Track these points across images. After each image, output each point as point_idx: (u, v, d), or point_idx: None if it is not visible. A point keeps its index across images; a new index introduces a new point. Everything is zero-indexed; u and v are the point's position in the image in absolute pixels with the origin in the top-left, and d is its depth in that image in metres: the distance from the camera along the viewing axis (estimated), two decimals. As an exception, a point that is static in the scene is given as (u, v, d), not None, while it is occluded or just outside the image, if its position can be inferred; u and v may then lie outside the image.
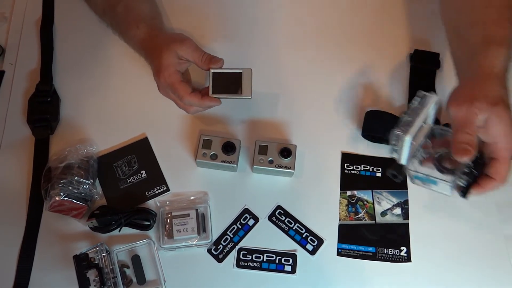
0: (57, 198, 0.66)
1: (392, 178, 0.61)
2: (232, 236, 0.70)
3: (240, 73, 0.68)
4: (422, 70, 0.81)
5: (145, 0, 0.78)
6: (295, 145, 0.72)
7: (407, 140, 0.56)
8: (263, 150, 0.72)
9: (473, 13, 0.60)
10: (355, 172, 0.75)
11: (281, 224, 0.71)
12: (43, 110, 0.77)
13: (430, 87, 0.80)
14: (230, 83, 0.68)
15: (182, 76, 0.69)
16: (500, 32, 0.56)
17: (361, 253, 0.69)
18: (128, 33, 0.74)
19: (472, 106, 0.53)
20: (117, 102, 0.79)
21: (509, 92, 0.55)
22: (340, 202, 0.73)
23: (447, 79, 0.81)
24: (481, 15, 0.59)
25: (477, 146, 0.54)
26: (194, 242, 0.69)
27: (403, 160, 0.58)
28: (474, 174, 0.57)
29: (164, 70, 0.67)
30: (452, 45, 0.65)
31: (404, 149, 0.57)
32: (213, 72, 0.68)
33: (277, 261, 0.69)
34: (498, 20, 0.57)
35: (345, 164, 0.75)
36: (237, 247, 0.70)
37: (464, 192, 0.59)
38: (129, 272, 0.68)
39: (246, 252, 0.69)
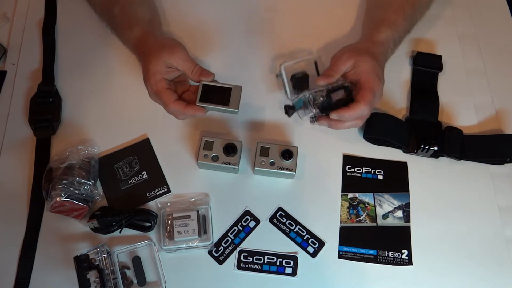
0: (58, 199, 0.66)
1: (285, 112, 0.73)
2: (233, 238, 0.70)
3: (230, 88, 0.68)
4: (424, 73, 0.81)
5: (142, 2, 0.77)
6: (297, 147, 0.72)
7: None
8: (264, 151, 0.72)
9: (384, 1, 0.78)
10: (357, 174, 0.74)
11: (282, 226, 0.71)
12: (45, 110, 0.77)
13: (432, 90, 0.79)
14: (219, 95, 0.68)
15: (169, 83, 0.69)
16: (392, 17, 0.74)
17: (362, 255, 0.69)
18: (123, 36, 0.75)
19: (344, 54, 0.69)
20: (118, 103, 0.79)
21: (381, 55, 0.72)
22: (341, 205, 0.72)
23: (450, 82, 0.80)
24: (388, 2, 0.77)
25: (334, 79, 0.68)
26: (195, 244, 0.69)
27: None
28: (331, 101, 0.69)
29: (151, 77, 0.67)
30: (364, 18, 0.82)
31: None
32: (204, 84, 0.68)
33: (278, 263, 0.68)
34: (396, 9, 0.75)
35: (347, 166, 0.75)
36: (238, 249, 0.69)
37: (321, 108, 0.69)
38: (130, 273, 0.68)
39: (247, 254, 0.69)
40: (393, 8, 0.75)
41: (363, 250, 0.70)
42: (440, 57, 0.81)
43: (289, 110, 0.72)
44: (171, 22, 0.85)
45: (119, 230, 0.69)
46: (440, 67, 0.81)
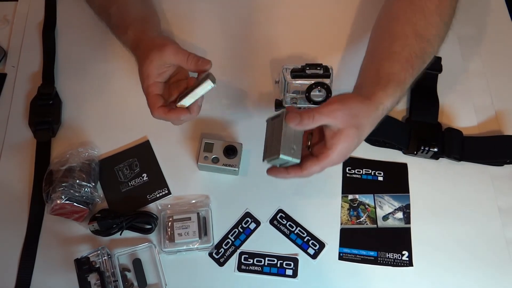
0: (58, 201, 0.66)
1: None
2: (233, 239, 0.70)
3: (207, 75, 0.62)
4: (424, 74, 0.81)
5: (138, 1, 0.75)
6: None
7: None
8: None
9: (389, 49, 0.66)
10: (357, 176, 0.75)
11: (282, 228, 0.71)
12: (45, 113, 0.77)
13: (432, 91, 0.80)
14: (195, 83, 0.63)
15: (162, 87, 0.65)
16: (402, 75, 0.63)
17: (362, 257, 0.69)
18: (120, 38, 0.73)
19: (343, 111, 0.58)
20: (119, 105, 0.79)
21: (371, 126, 0.62)
22: (341, 206, 0.72)
23: (449, 83, 0.81)
24: (393, 55, 0.65)
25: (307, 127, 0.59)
26: (195, 246, 0.69)
27: None
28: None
29: (144, 81, 0.64)
30: (365, 63, 0.68)
31: None
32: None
33: (278, 265, 0.68)
34: (404, 63, 0.63)
35: (347, 168, 0.75)
36: (238, 251, 0.69)
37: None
38: (130, 275, 0.68)
39: (247, 256, 0.69)
40: (400, 62, 0.64)
41: (363, 252, 0.70)
42: (439, 58, 0.81)
43: (277, 106, 0.73)
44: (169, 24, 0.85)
45: (120, 232, 0.69)
46: (439, 69, 0.81)
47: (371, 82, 0.63)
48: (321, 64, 0.70)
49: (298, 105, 0.73)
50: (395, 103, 0.64)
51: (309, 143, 0.63)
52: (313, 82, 0.70)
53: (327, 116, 0.58)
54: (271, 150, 0.60)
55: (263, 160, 0.62)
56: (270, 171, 0.63)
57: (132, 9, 0.74)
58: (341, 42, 0.84)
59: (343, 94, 0.61)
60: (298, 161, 0.60)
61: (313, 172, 0.61)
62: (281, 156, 0.58)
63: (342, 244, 0.70)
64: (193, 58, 0.63)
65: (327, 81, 0.70)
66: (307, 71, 0.69)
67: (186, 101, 0.63)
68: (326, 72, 0.70)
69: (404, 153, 0.76)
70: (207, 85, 0.62)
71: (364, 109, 0.60)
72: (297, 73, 0.69)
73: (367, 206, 0.72)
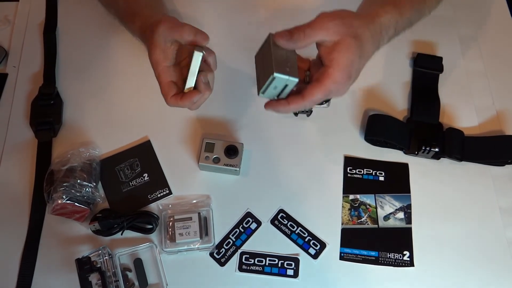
0: (59, 201, 0.66)
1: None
2: (234, 239, 0.70)
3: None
4: (425, 74, 0.81)
5: None
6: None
7: None
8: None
9: None
10: (358, 176, 0.75)
11: (283, 228, 0.71)
12: (46, 113, 0.77)
13: (433, 91, 0.80)
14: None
15: (172, 73, 0.62)
16: (402, 1, 0.62)
17: (363, 257, 0.69)
18: (129, 28, 0.72)
19: (333, 23, 0.54)
20: (120, 105, 0.79)
21: (374, 40, 0.59)
22: (342, 206, 0.72)
23: (450, 83, 0.81)
24: None
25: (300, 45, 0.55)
26: (196, 246, 0.69)
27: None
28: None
29: (154, 69, 0.62)
30: None
31: None
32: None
33: (279, 265, 0.68)
34: None
35: (348, 168, 0.75)
36: (239, 251, 0.69)
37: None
38: (131, 275, 0.68)
39: (248, 256, 0.69)
40: None
41: (364, 252, 0.70)
42: (440, 58, 0.81)
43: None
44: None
45: (121, 232, 0.69)
46: (440, 69, 0.81)
47: (367, 4, 0.63)
48: None
49: None
50: (392, 23, 0.61)
51: (307, 79, 0.57)
52: None
53: (319, 29, 0.54)
54: (264, 76, 0.54)
55: (258, 93, 0.56)
56: (268, 104, 0.58)
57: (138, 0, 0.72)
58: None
59: (336, 10, 0.57)
60: (296, 79, 0.54)
61: (316, 99, 0.55)
62: (276, 74, 0.52)
63: (343, 244, 0.70)
64: (189, 30, 0.60)
65: None
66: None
67: (189, 82, 0.61)
68: None
69: (405, 153, 0.76)
70: (197, 56, 0.59)
71: (358, 20, 0.57)
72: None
73: (368, 206, 0.72)
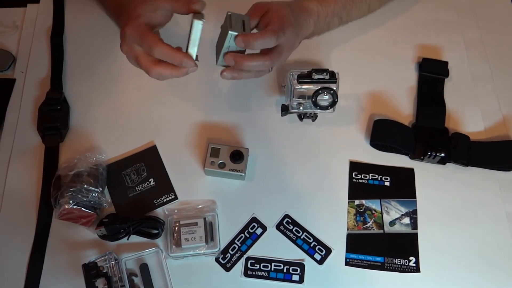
0: (66, 206, 0.67)
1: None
2: (240, 245, 0.70)
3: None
4: (430, 79, 0.81)
5: None
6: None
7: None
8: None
9: None
10: (363, 181, 0.74)
11: (289, 233, 0.71)
12: (53, 118, 0.77)
13: (439, 96, 0.79)
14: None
15: (155, 32, 0.63)
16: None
17: (369, 263, 0.69)
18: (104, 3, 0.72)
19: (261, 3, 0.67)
20: (126, 110, 0.80)
21: (303, 20, 0.71)
22: (348, 211, 0.72)
23: (456, 88, 0.80)
24: None
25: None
26: (202, 251, 0.69)
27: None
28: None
29: (134, 20, 0.61)
30: None
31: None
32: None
33: (285, 271, 0.68)
34: None
35: (353, 173, 0.75)
36: (245, 256, 0.70)
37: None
38: (137, 280, 0.68)
39: (254, 261, 0.69)
40: None
41: (370, 257, 0.69)
42: (446, 63, 0.81)
43: (283, 110, 0.75)
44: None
45: (127, 237, 0.69)
46: (446, 73, 0.81)
47: None
48: (327, 69, 0.70)
49: (304, 110, 0.73)
50: (315, 14, 0.73)
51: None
52: (319, 87, 0.70)
53: (257, 8, 0.66)
54: (220, 41, 0.63)
55: (216, 63, 0.64)
56: (227, 57, 0.63)
57: None
58: (347, 47, 0.84)
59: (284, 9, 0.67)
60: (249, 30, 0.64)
61: (269, 37, 0.62)
62: (230, 32, 0.60)
63: (349, 249, 0.70)
64: None
65: (333, 86, 0.70)
66: (313, 77, 0.69)
67: (192, 51, 0.61)
68: (332, 77, 0.70)
69: (411, 158, 0.75)
70: (197, 25, 0.60)
71: (290, 4, 0.70)
72: (304, 79, 0.70)
73: (373, 212, 0.72)
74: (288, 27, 0.66)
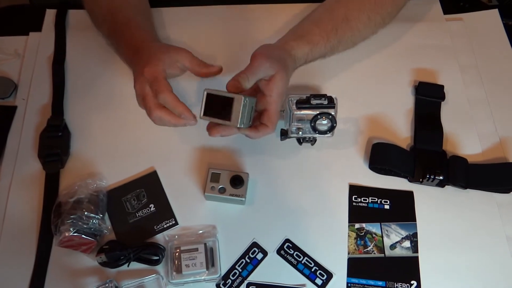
0: (67, 234, 0.67)
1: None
2: (240, 270, 0.70)
3: (232, 98, 0.65)
4: (427, 102, 0.82)
5: (143, 14, 0.82)
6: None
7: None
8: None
9: (317, 17, 0.79)
10: (363, 204, 0.75)
11: (289, 257, 0.71)
12: (54, 144, 0.78)
13: (436, 119, 0.80)
14: (221, 107, 0.65)
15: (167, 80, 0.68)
16: (316, 38, 0.76)
17: (371, 287, 0.69)
18: (123, 40, 0.75)
19: (267, 62, 0.68)
20: (126, 136, 0.81)
21: (292, 69, 0.74)
22: (348, 235, 0.72)
23: (453, 111, 0.81)
24: (318, 22, 0.78)
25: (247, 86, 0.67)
26: (203, 277, 0.68)
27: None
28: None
29: (153, 63, 0.67)
30: (294, 25, 0.80)
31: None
32: (208, 93, 0.66)
33: (286, 296, 0.68)
34: (323, 32, 0.76)
35: (353, 197, 0.75)
36: (246, 282, 0.69)
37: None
38: (138, 308, 0.68)
39: (255, 286, 0.69)
40: (320, 29, 0.76)
41: (371, 282, 0.69)
42: (442, 86, 0.83)
43: (282, 135, 0.76)
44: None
45: (127, 264, 0.69)
46: (442, 97, 0.82)
47: (289, 36, 0.76)
48: (326, 94, 0.71)
49: (303, 135, 0.74)
50: (304, 57, 0.75)
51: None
52: (318, 112, 0.71)
53: (259, 71, 0.67)
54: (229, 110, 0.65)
55: (238, 124, 0.66)
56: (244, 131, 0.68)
57: (140, 19, 0.79)
58: (344, 72, 0.86)
59: (262, 48, 0.70)
60: (254, 98, 0.68)
61: (273, 122, 0.69)
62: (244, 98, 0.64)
63: (350, 274, 0.70)
64: (205, 64, 0.71)
65: (331, 111, 0.71)
66: (312, 102, 0.70)
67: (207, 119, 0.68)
68: (331, 102, 0.71)
69: (410, 181, 0.76)
70: (233, 124, 0.66)
71: (282, 52, 0.72)
72: (302, 105, 0.71)
73: (374, 235, 0.72)
74: (281, 101, 0.70)
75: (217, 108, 0.66)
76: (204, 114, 0.66)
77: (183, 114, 0.67)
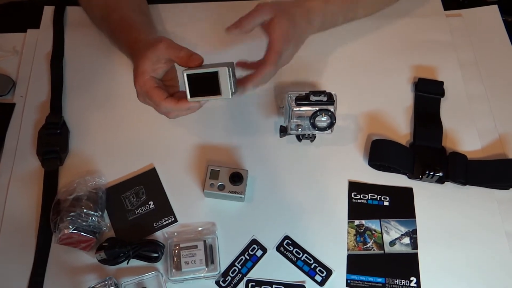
0: (66, 231, 0.66)
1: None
2: (240, 267, 0.70)
3: (216, 72, 0.62)
4: (426, 98, 0.82)
5: (140, 11, 0.81)
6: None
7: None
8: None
9: None
10: (363, 201, 0.75)
11: (289, 254, 0.71)
12: (53, 142, 0.78)
13: (435, 115, 0.80)
14: (208, 84, 0.63)
15: (158, 82, 0.67)
16: None
17: (370, 284, 0.69)
18: (119, 40, 0.76)
19: (265, 6, 0.71)
20: (125, 133, 0.80)
21: (306, 22, 0.75)
22: (348, 232, 0.72)
23: (452, 107, 0.81)
24: None
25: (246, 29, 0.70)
26: (202, 274, 0.68)
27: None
28: None
29: (139, 77, 0.65)
30: None
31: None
32: (188, 75, 0.63)
33: (286, 293, 0.68)
34: None
35: (353, 193, 0.75)
36: (245, 279, 0.69)
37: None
38: (137, 305, 0.68)
39: (254, 283, 0.69)
40: None
41: (371, 278, 0.69)
42: (441, 83, 0.82)
43: (281, 132, 0.76)
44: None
45: (127, 261, 0.69)
46: (442, 93, 0.82)
47: None
48: (325, 91, 0.71)
49: (302, 131, 0.74)
50: (319, 10, 0.76)
51: None
52: (317, 109, 0.71)
53: (259, 13, 0.70)
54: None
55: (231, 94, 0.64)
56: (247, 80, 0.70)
57: (135, 17, 0.77)
58: (343, 68, 0.86)
59: None
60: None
61: (272, 61, 0.69)
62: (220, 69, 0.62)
63: (350, 270, 0.70)
64: (185, 54, 0.65)
65: (331, 107, 0.71)
66: (311, 98, 0.70)
67: (200, 100, 0.65)
68: (330, 99, 0.71)
69: (409, 177, 0.76)
70: (225, 97, 0.63)
71: (290, 6, 0.73)
72: (302, 101, 0.70)
73: (373, 232, 0.72)
74: (286, 46, 0.71)
75: (203, 85, 0.63)
76: (192, 95, 0.63)
77: (189, 107, 0.66)
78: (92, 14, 0.84)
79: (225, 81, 0.62)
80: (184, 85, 0.63)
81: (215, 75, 0.62)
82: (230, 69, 0.63)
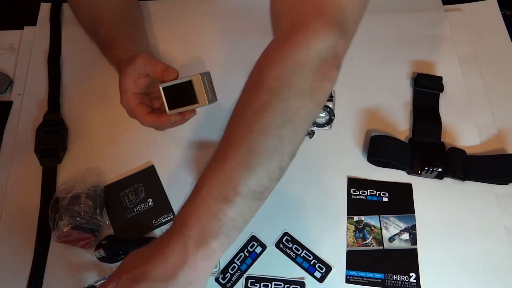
0: (65, 229, 0.66)
1: None
2: (239, 264, 0.70)
3: (190, 81, 0.63)
4: (425, 94, 0.82)
5: (126, 22, 0.79)
6: None
7: None
8: None
9: None
10: (362, 197, 0.75)
11: (288, 251, 0.71)
12: (51, 139, 0.77)
13: (434, 111, 0.80)
14: (184, 94, 0.64)
15: (141, 98, 0.68)
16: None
17: (370, 280, 0.69)
18: (107, 57, 0.77)
19: None
20: (123, 131, 0.80)
21: None
22: (347, 228, 0.72)
23: (451, 102, 0.81)
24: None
25: None
26: (202, 271, 0.68)
27: None
28: None
29: (122, 95, 0.67)
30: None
31: None
32: (163, 88, 0.65)
33: (285, 290, 0.68)
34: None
35: (352, 189, 0.75)
36: (245, 275, 0.69)
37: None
38: (137, 302, 0.67)
39: (254, 280, 0.69)
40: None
41: (370, 274, 0.69)
42: (440, 78, 0.82)
43: None
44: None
45: (126, 259, 0.69)
46: (441, 88, 0.82)
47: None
48: None
49: None
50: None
51: None
52: None
53: None
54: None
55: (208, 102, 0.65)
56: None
57: (122, 30, 0.77)
58: (342, 64, 0.85)
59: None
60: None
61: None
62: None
63: (349, 266, 0.70)
64: (160, 66, 0.66)
65: (329, 104, 0.71)
66: None
67: (178, 111, 0.66)
68: (329, 95, 0.70)
69: (408, 173, 0.76)
70: (202, 105, 0.64)
71: None
72: None
73: (372, 228, 0.72)
74: None
75: (180, 96, 0.65)
76: (170, 108, 0.66)
77: (170, 121, 0.67)
78: (82, 25, 0.83)
79: (200, 89, 0.63)
80: (162, 99, 0.65)
81: (189, 84, 0.64)
82: (205, 77, 0.64)
